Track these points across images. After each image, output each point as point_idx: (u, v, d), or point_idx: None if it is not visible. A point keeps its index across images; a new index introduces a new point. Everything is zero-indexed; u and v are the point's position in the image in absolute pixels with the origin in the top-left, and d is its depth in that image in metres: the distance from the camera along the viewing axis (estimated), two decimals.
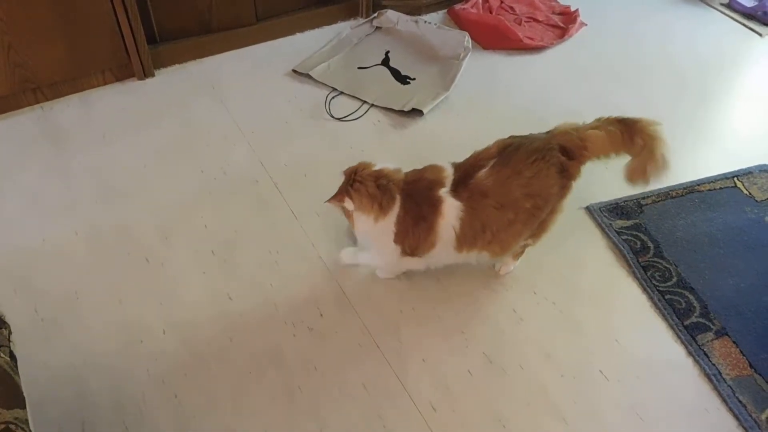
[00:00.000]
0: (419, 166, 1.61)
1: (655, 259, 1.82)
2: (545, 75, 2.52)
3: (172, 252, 1.81)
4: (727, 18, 2.88)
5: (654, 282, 1.76)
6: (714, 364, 1.58)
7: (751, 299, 1.72)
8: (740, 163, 2.12)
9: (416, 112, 2.27)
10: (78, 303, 1.68)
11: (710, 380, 1.56)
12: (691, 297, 1.72)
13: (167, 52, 2.42)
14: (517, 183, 1.50)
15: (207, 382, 1.53)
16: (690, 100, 2.41)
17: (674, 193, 2.00)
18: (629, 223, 1.91)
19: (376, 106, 2.32)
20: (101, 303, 1.68)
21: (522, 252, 1.74)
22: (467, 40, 2.54)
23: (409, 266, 1.70)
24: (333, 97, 2.35)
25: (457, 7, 2.76)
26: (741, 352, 1.60)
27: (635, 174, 1.58)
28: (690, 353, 1.61)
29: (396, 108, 2.29)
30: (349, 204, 1.57)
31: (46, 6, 2.03)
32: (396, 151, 2.15)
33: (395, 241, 1.59)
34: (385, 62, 2.52)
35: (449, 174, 1.54)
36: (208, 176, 2.04)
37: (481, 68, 2.52)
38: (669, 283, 1.76)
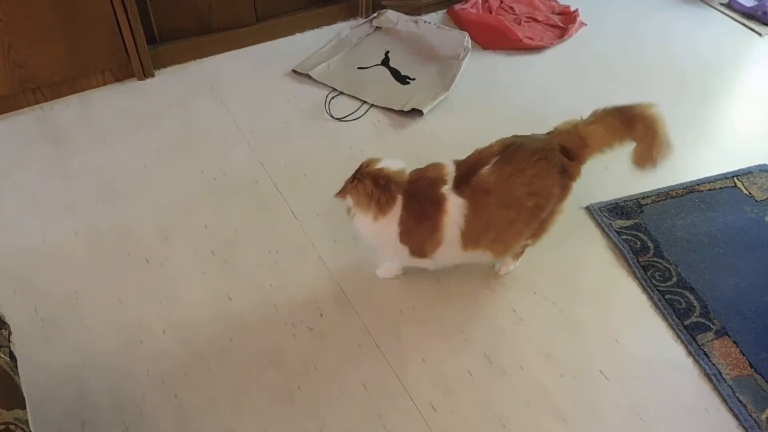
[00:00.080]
0: (420, 166, 1.60)
1: (655, 259, 1.82)
2: (545, 75, 2.52)
3: (172, 252, 1.81)
4: (726, 18, 2.88)
5: (654, 282, 1.76)
6: (714, 364, 1.58)
7: (751, 299, 1.72)
8: (740, 162, 2.12)
9: (416, 112, 2.27)
10: (78, 303, 1.68)
11: (710, 380, 1.56)
12: (691, 297, 1.72)
13: (167, 53, 2.42)
14: (519, 181, 1.50)
15: (207, 382, 1.53)
16: (690, 99, 2.41)
17: (674, 193, 2.00)
18: (629, 222, 1.91)
19: (376, 106, 2.32)
20: (101, 303, 1.68)
21: (522, 252, 1.74)
22: (467, 40, 2.54)
23: (420, 265, 1.69)
24: (333, 98, 2.35)
25: (457, 7, 2.76)
26: (741, 351, 1.60)
27: (643, 159, 1.57)
28: (690, 353, 1.61)
29: (396, 108, 2.29)
30: (348, 201, 1.57)
31: (46, 6, 2.03)
32: (396, 152, 2.14)
33: (401, 242, 1.58)
34: (385, 62, 2.52)
35: (451, 171, 1.53)
36: (208, 176, 2.04)
37: (481, 68, 2.52)
38: (669, 283, 1.76)
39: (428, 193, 1.53)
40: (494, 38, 2.63)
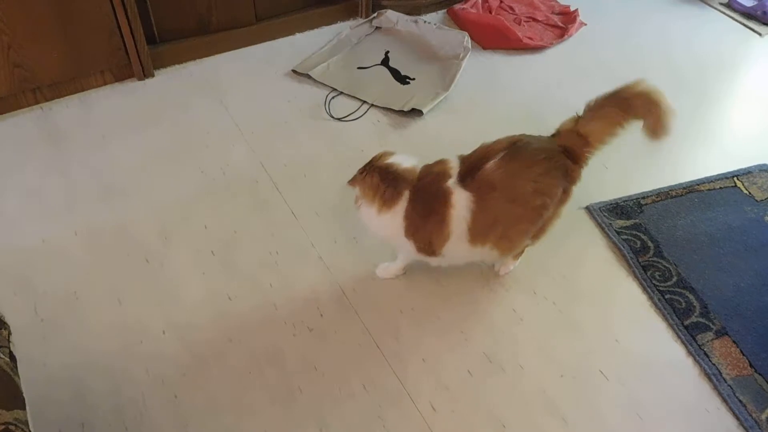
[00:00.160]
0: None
1: (655, 259, 1.82)
2: (545, 75, 2.52)
3: (171, 252, 1.81)
4: (726, 18, 2.88)
5: (654, 282, 1.76)
6: (714, 364, 1.58)
7: (751, 299, 1.72)
8: (740, 162, 2.12)
9: (416, 112, 2.27)
10: (78, 303, 1.68)
11: (710, 380, 1.56)
12: (691, 297, 1.72)
13: (167, 53, 2.42)
14: (526, 177, 1.49)
15: (207, 383, 1.53)
16: (690, 99, 2.41)
17: (674, 193, 2.00)
18: (629, 222, 1.91)
19: (376, 106, 2.32)
20: (101, 303, 1.68)
21: (522, 252, 1.74)
22: (467, 40, 2.54)
23: (428, 262, 1.67)
24: (333, 98, 2.35)
25: (457, 7, 2.76)
26: (741, 351, 1.60)
27: (655, 131, 1.55)
28: (690, 353, 1.61)
29: (396, 108, 2.29)
30: (357, 190, 1.59)
31: (46, 6, 2.03)
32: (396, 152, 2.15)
33: (406, 236, 1.58)
34: (385, 62, 2.52)
35: (455, 166, 1.53)
36: (208, 177, 2.04)
37: (481, 68, 2.52)
38: (669, 283, 1.76)
39: (433, 187, 1.53)
40: (494, 38, 2.62)
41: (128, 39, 2.24)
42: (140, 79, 2.38)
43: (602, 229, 1.91)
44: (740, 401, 1.51)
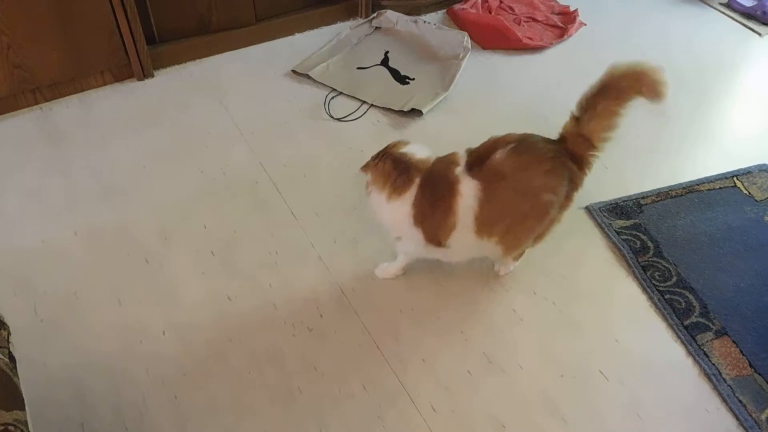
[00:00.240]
0: None
1: (655, 259, 1.82)
2: (545, 75, 2.52)
3: (171, 252, 1.81)
4: (726, 17, 2.88)
5: (654, 282, 1.76)
6: (714, 364, 1.58)
7: (750, 299, 1.72)
8: (740, 162, 2.12)
9: (416, 112, 2.27)
10: (77, 304, 1.68)
11: (710, 380, 1.56)
12: (690, 297, 1.72)
13: (166, 53, 2.42)
14: (535, 171, 1.49)
15: (207, 383, 1.53)
16: (689, 99, 2.41)
17: (674, 193, 2.00)
18: (629, 222, 1.91)
19: (376, 107, 2.32)
20: (101, 304, 1.68)
21: (522, 254, 1.74)
22: (466, 40, 2.54)
23: (434, 255, 1.67)
24: (332, 98, 2.35)
25: (457, 7, 2.76)
26: (741, 351, 1.60)
27: (656, 94, 1.54)
28: (690, 353, 1.61)
29: (395, 108, 2.29)
30: (368, 176, 1.61)
31: (45, 6, 2.03)
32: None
33: (415, 224, 1.58)
34: (385, 62, 2.52)
35: (462, 156, 1.55)
36: (208, 177, 2.04)
37: (481, 68, 2.52)
38: (669, 283, 1.76)
39: (442, 175, 1.54)
40: (494, 38, 2.63)
41: (128, 39, 2.24)
42: (140, 79, 2.38)
43: (602, 229, 1.91)
44: (740, 401, 1.51)
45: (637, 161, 2.13)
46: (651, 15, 2.89)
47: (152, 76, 2.40)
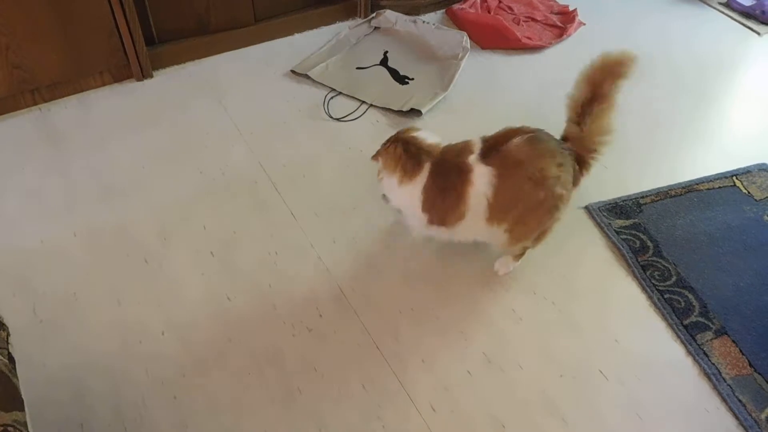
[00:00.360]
0: None
1: (655, 259, 1.82)
2: (544, 75, 2.52)
3: (170, 253, 1.81)
4: (725, 17, 2.88)
5: (653, 281, 1.76)
6: (713, 364, 1.58)
7: (750, 298, 1.72)
8: (739, 162, 2.12)
9: (415, 112, 2.27)
10: (77, 304, 1.68)
11: (710, 379, 1.56)
12: (690, 296, 1.72)
13: (165, 53, 2.42)
14: (551, 162, 1.51)
15: (206, 383, 1.53)
16: (689, 98, 2.41)
17: (673, 193, 2.00)
18: (628, 222, 1.91)
19: (375, 107, 2.32)
20: (100, 304, 1.68)
21: (522, 254, 1.74)
22: (465, 40, 2.54)
23: (435, 234, 1.70)
24: (331, 98, 2.35)
25: (456, 7, 2.76)
26: (740, 351, 1.60)
27: (629, 72, 1.61)
28: (689, 353, 1.61)
29: (395, 108, 2.29)
30: (379, 163, 1.66)
31: (44, 7, 2.03)
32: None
33: (423, 210, 1.61)
34: (384, 62, 2.52)
35: (477, 144, 1.56)
36: (207, 177, 2.04)
37: (480, 68, 2.52)
38: (668, 283, 1.76)
39: (454, 163, 1.56)
40: (493, 38, 2.62)
41: (127, 40, 2.24)
42: (139, 79, 2.38)
43: (601, 228, 1.91)
44: (740, 401, 1.51)
45: (636, 161, 2.13)
46: (650, 14, 2.89)
47: (151, 76, 2.40)
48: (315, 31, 2.67)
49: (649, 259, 1.82)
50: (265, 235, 1.87)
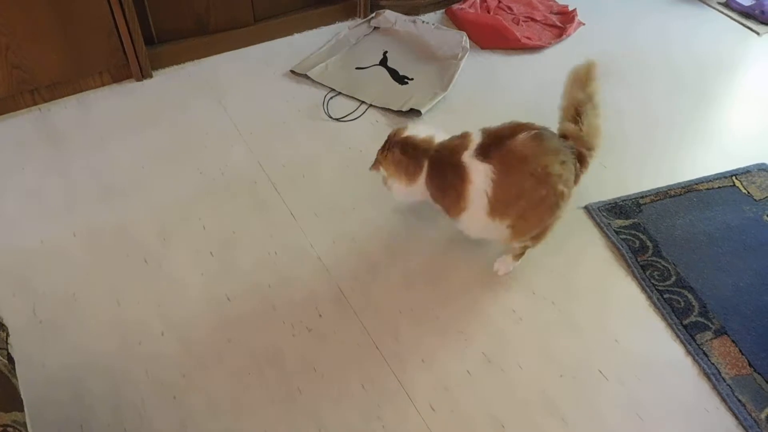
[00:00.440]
0: None
1: (654, 259, 1.82)
2: (544, 74, 2.52)
3: (170, 253, 1.81)
4: (724, 17, 2.88)
5: (653, 281, 1.76)
6: (713, 364, 1.58)
7: (750, 298, 1.72)
8: (738, 162, 2.12)
9: (414, 112, 2.27)
10: (76, 304, 1.68)
11: (709, 379, 1.56)
12: (690, 296, 1.72)
13: (165, 53, 2.42)
14: (555, 160, 1.52)
15: (206, 384, 1.53)
16: (688, 98, 2.42)
17: (673, 192, 2.00)
18: (628, 222, 1.91)
19: (375, 107, 2.32)
20: (99, 304, 1.68)
21: (522, 253, 1.74)
22: (465, 40, 2.54)
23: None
24: (331, 98, 2.35)
25: (455, 7, 2.76)
26: (740, 351, 1.60)
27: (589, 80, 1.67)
28: (689, 352, 1.61)
29: (394, 108, 2.29)
30: (382, 171, 1.71)
31: (44, 7, 2.03)
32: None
33: (435, 202, 1.67)
34: (383, 62, 2.52)
35: (475, 139, 1.58)
36: (207, 177, 2.04)
37: (480, 68, 2.52)
38: (668, 283, 1.76)
39: (449, 161, 1.58)
40: (492, 38, 2.63)
41: (126, 40, 2.24)
42: (138, 79, 2.38)
43: (601, 228, 1.91)
44: (739, 400, 1.51)
45: (635, 161, 2.13)
46: (650, 14, 2.89)
47: (151, 76, 2.40)
48: (314, 31, 2.67)
49: (649, 259, 1.82)
50: (264, 236, 1.87)
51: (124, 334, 1.62)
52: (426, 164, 1.61)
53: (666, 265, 1.80)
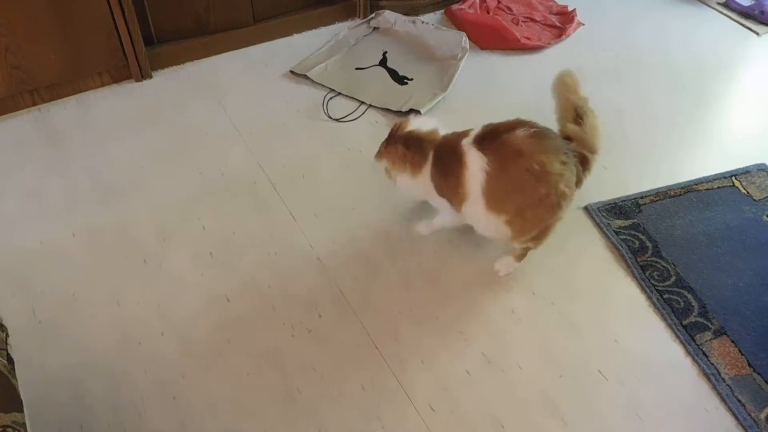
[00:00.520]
0: None
1: (654, 259, 1.82)
2: (543, 75, 2.48)
3: (170, 253, 1.81)
4: (724, 17, 2.88)
5: (652, 281, 1.76)
6: (713, 364, 1.58)
7: (749, 298, 1.72)
8: (738, 162, 2.12)
9: (414, 113, 2.27)
10: (76, 304, 1.68)
11: (709, 380, 1.56)
12: (689, 296, 1.72)
13: (165, 54, 2.42)
14: (555, 158, 1.51)
15: (205, 384, 1.53)
16: (687, 99, 2.42)
17: (672, 193, 2.00)
18: (627, 222, 1.91)
19: (374, 107, 2.32)
20: (99, 304, 1.68)
21: (524, 254, 1.73)
22: (465, 40, 2.54)
23: (463, 221, 1.74)
24: (330, 98, 2.35)
25: (455, 7, 2.76)
26: (740, 351, 1.60)
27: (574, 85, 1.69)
28: (689, 353, 1.61)
29: (394, 108, 2.29)
30: (385, 163, 1.72)
31: (44, 8, 2.03)
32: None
33: (439, 195, 1.68)
34: (383, 63, 2.52)
35: (476, 130, 1.60)
36: (206, 177, 2.04)
37: (479, 68, 2.52)
38: (667, 283, 1.76)
39: (450, 147, 1.61)
40: (492, 38, 2.63)
41: (126, 40, 2.24)
42: (138, 80, 2.38)
43: (601, 229, 1.91)
44: (739, 401, 1.51)
45: (635, 161, 2.13)
46: (649, 14, 2.89)
47: (150, 77, 2.40)
48: (314, 31, 2.67)
49: (649, 259, 1.82)
50: (264, 236, 1.87)
51: (124, 334, 1.62)
52: (431, 155, 1.63)
53: (666, 265, 1.80)
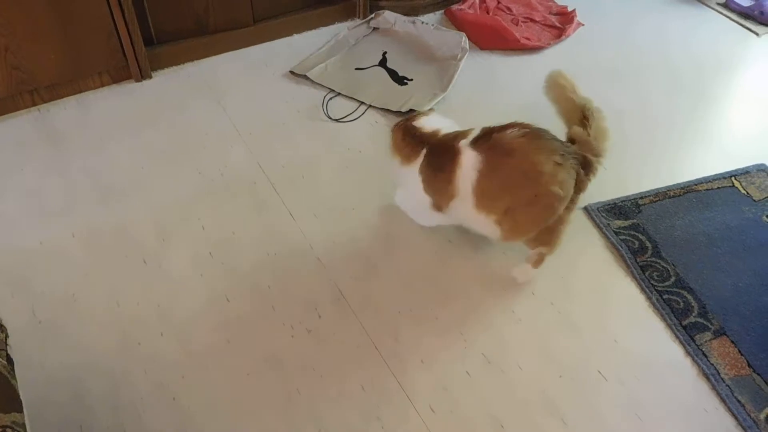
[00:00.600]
0: None
1: (653, 259, 1.82)
2: (543, 75, 2.48)
3: (170, 253, 1.81)
4: (723, 17, 2.88)
5: (652, 282, 1.76)
6: (712, 364, 1.58)
7: (749, 299, 1.72)
8: (738, 162, 2.12)
9: (414, 113, 2.27)
10: (76, 305, 1.68)
11: (709, 380, 1.56)
12: (689, 297, 1.72)
13: (164, 54, 2.42)
14: (547, 159, 1.50)
15: (205, 385, 1.53)
16: (687, 99, 2.42)
17: (672, 193, 2.00)
18: (627, 223, 1.91)
19: (374, 107, 2.32)
20: (99, 305, 1.68)
21: (541, 260, 1.72)
22: (464, 40, 2.54)
23: (439, 221, 1.77)
24: (330, 99, 2.35)
25: (454, 7, 2.76)
26: (739, 351, 1.60)
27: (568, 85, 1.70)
28: (688, 353, 1.61)
29: (394, 109, 2.29)
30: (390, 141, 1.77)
31: (43, 8, 2.03)
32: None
33: (425, 192, 1.68)
34: (383, 63, 2.52)
35: (476, 131, 1.60)
36: (206, 178, 2.04)
37: (479, 69, 2.52)
38: (667, 283, 1.76)
39: (446, 146, 1.61)
40: (492, 39, 2.63)
41: (126, 40, 2.24)
42: (138, 80, 2.38)
43: (600, 229, 1.91)
44: (738, 401, 1.51)
45: (635, 161, 2.13)
46: (649, 15, 2.89)
47: (150, 77, 2.40)
48: (314, 31, 2.67)
49: (648, 259, 1.82)
50: (264, 236, 1.87)
51: (124, 335, 1.62)
52: (425, 150, 1.65)
53: (665, 265, 1.80)
